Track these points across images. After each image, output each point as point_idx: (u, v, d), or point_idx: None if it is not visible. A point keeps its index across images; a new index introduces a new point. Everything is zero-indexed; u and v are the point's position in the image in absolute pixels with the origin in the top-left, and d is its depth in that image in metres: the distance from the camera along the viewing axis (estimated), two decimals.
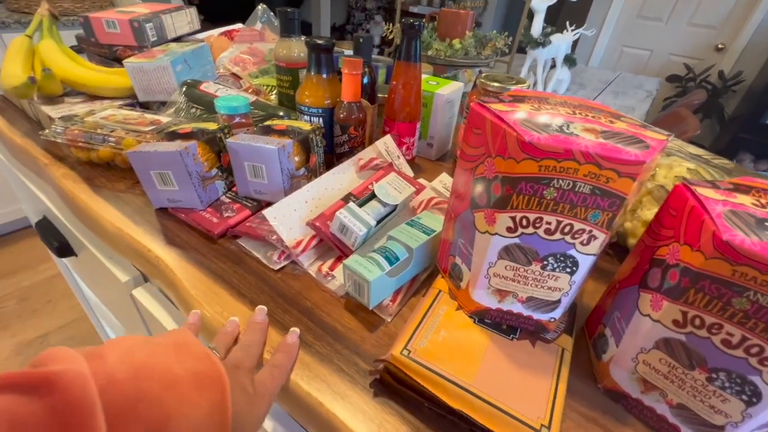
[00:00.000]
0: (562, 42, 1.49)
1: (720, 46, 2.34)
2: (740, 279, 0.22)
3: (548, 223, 0.26)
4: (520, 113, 0.27)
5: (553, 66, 1.60)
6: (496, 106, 0.28)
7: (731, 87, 2.30)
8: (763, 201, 0.25)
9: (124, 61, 0.60)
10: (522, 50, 1.48)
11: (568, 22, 1.51)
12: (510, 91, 0.32)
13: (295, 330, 0.34)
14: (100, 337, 1.22)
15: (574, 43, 2.70)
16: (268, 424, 0.37)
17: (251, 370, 0.29)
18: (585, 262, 0.28)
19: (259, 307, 0.35)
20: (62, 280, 1.60)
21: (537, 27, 1.39)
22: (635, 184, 0.24)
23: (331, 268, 0.40)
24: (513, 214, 0.27)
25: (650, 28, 2.53)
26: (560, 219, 0.26)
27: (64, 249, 0.62)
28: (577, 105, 0.30)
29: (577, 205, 0.25)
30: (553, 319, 0.31)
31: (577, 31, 1.49)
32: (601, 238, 0.26)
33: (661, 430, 0.29)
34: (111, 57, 0.74)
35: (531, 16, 1.38)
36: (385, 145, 0.55)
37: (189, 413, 0.22)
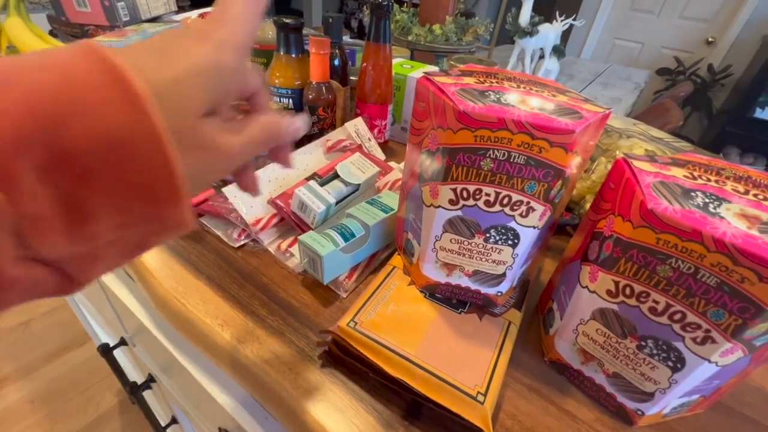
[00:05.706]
0: (550, 32, 1.48)
1: (710, 39, 2.35)
2: (663, 246, 0.22)
3: (487, 194, 0.26)
4: (461, 86, 0.27)
5: (542, 57, 1.59)
6: (441, 79, 0.28)
7: (720, 81, 2.31)
8: (696, 174, 0.25)
9: (92, 40, 0.59)
10: (511, 40, 1.47)
11: (557, 12, 1.50)
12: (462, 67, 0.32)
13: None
14: (81, 324, 1.22)
15: (566, 35, 2.69)
16: (215, 390, 0.38)
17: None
18: (526, 235, 0.28)
19: None
20: None
21: (525, 16, 1.38)
22: (570, 155, 0.25)
23: (290, 246, 0.40)
24: (454, 186, 0.27)
25: (642, 20, 2.53)
26: (498, 190, 0.26)
27: None
28: (525, 80, 0.30)
29: (513, 176, 0.25)
30: (500, 293, 0.32)
31: (566, 21, 1.48)
32: (540, 209, 0.27)
33: (600, 400, 0.30)
34: (83, 37, 0.72)
35: (519, 4, 1.37)
36: (355, 127, 0.55)
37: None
